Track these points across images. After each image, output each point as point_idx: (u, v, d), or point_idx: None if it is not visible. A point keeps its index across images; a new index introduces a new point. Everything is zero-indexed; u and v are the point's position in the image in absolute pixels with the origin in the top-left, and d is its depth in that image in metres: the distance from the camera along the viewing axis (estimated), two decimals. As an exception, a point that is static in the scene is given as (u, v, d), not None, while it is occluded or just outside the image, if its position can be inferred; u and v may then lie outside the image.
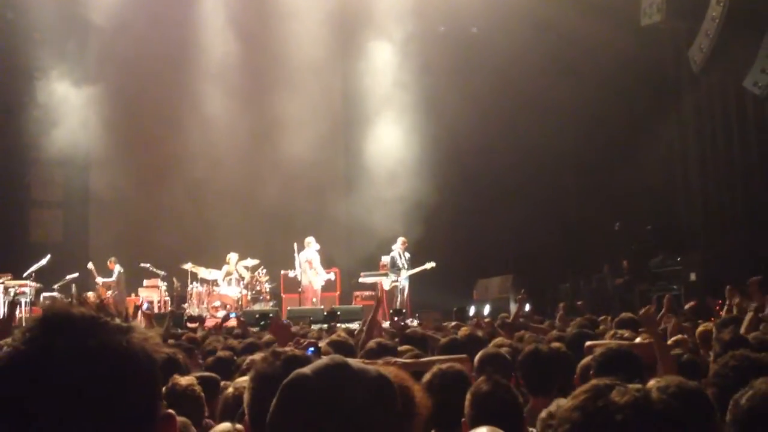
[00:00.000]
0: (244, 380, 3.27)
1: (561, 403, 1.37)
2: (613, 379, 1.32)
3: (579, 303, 9.53)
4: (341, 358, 1.46)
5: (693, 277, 14.32)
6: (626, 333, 6.28)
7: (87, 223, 18.46)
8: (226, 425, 2.83)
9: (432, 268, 15.72)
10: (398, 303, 15.50)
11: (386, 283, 15.94)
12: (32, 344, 1.05)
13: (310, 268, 16.11)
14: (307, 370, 1.40)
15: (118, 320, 1.12)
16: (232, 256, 16.24)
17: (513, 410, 3.07)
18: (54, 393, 1.01)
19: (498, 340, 5.66)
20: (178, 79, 18.38)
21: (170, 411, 1.13)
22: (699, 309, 9.91)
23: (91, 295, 14.70)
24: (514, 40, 16.86)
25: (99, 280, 16.06)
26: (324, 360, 1.45)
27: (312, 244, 16.14)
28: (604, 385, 1.29)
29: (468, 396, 3.12)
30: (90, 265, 16.23)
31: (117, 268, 16.24)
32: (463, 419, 3.15)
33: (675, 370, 3.52)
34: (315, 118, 18.50)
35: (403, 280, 15.81)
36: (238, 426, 2.70)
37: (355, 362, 1.44)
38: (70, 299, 1.16)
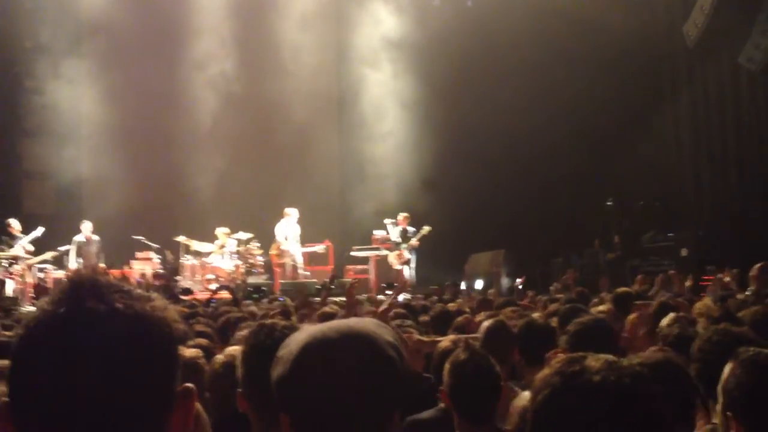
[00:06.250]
0: (233, 349, 3.29)
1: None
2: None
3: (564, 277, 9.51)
4: (346, 323, 1.47)
5: (684, 252, 14.40)
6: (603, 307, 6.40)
7: (80, 195, 18.39)
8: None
9: (429, 231, 15.68)
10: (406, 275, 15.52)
11: (393, 259, 15.90)
12: (64, 306, 1.06)
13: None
14: (320, 333, 1.41)
15: (139, 290, 1.13)
16: (221, 230, 16.19)
17: (490, 378, 3.14)
18: (87, 353, 1.02)
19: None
20: (169, 54, 18.25)
21: (189, 385, 1.13)
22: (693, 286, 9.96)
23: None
24: (510, 13, 16.78)
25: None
26: (339, 323, 1.47)
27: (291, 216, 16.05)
28: (578, 355, 1.39)
29: (447, 366, 3.19)
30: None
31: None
32: (441, 387, 3.23)
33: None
34: (308, 90, 18.43)
35: (412, 252, 15.82)
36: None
37: (368, 328, 1.45)
38: (90, 269, 1.16)
